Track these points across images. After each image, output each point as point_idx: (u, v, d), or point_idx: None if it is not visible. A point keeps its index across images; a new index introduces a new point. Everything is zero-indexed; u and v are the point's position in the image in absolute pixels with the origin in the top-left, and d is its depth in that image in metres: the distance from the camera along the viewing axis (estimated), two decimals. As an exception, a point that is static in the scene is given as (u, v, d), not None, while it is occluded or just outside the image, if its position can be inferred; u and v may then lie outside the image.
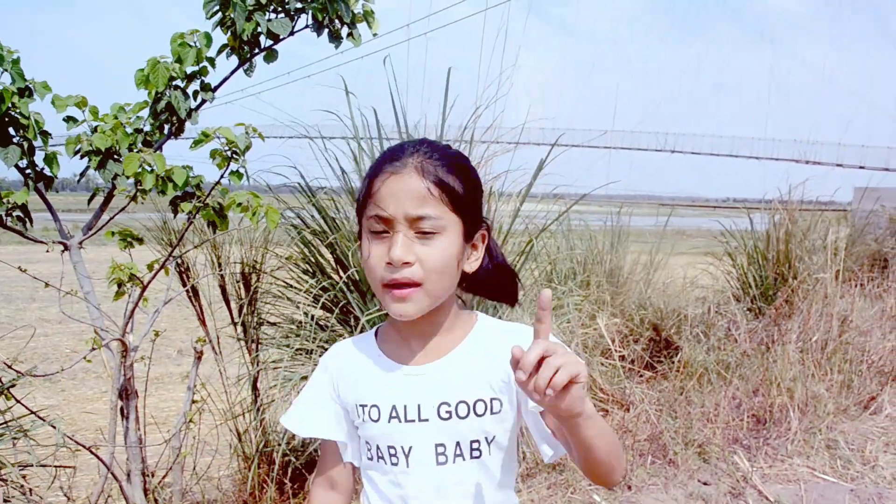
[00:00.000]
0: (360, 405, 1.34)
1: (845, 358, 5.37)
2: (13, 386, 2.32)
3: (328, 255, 3.82)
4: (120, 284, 2.95)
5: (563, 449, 1.30)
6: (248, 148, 2.36)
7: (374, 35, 2.85)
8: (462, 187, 1.28)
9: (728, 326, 5.69)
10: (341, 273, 3.73)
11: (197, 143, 2.32)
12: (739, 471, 3.93)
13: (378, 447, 1.33)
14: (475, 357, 1.34)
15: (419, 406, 1.31)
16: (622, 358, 4.84)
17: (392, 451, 1.32)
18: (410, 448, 1.31)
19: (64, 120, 2.66)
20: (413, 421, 1.30)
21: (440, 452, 1.31)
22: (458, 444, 1.31)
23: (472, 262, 1.34)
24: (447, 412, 1.30)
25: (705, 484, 3.82)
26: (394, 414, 1.31)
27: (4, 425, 2.61)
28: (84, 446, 2.56)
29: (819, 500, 3.72)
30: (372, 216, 1.26)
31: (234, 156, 2.35)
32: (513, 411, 1.33)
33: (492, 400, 1.31)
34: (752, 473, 3.90)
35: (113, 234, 2.94)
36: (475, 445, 1.31)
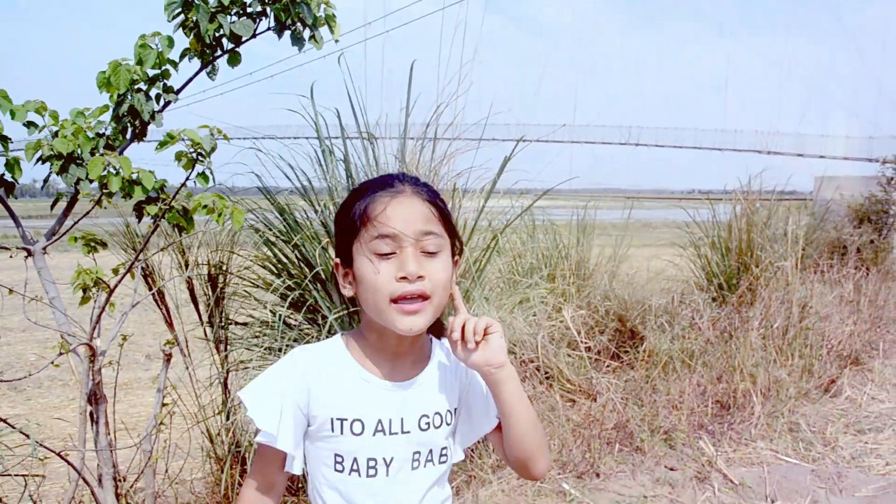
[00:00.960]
0: (339, 419, 1.36)
1: (806, 343, 5.51)
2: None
3: (292, 256, 3.83)
4: (85, 290, 2.93)
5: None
6: (213, 149, 2.37)
7: (336, 41, 2.87)
8: (447, 211, 1.39)
9: (692, 315, 5.79)
10: (307, 272, 3.75)
11: (162, 144, 2.33)
12: (705, 455, 4.02)
13: (356, 460, 1.36)
14: (443, 371, 1.45)
15: (402, 420, 1.38)
16: (588, 349, 4.92)
17: (372, 463, 1.37)
18: (392, 458, 1.38)
19: (24, 125, 2.64)
20: (397, 433, 1.37)
21: (415, 459, 1.40)
22: (430, 451, 1.41)
23: (453, 284, 1.44)
24: (426, 423, 1.40)
25: (672, 469, 3.90)
26: (379, 428, 1.36)
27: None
28: (55, 452, 2.55)
29: (782, 481, 3.82)
30: (378, 236, 1.31)
31: (200, 157, 2.36)
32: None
33: (455, 409, 1.46)
34: (717, 458, 3.99)
35: (76, 239, 2.92)
36: (444, 451, 1.44)
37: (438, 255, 1.34)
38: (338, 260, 1.43)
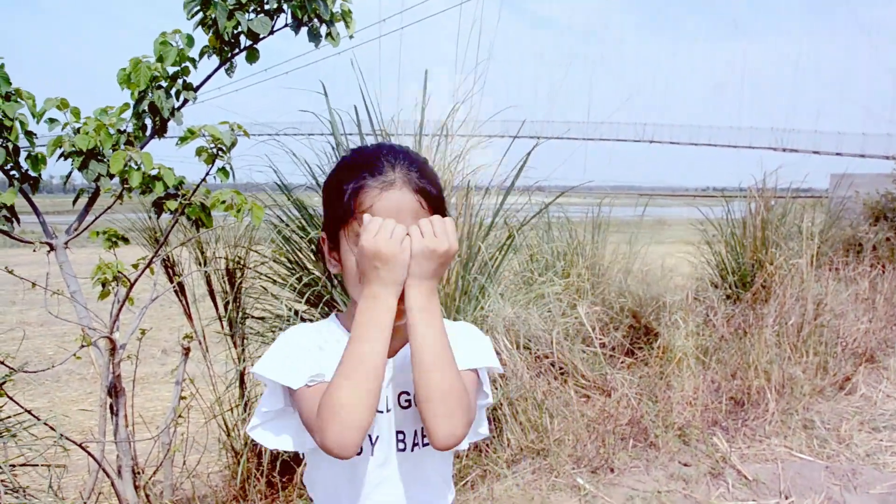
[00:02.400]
0: None
1: (820, 340, 5.49)
2: (4, 383, 2.36)
3: (308, 252, 3.87)
4: (104, 284, 2.98)
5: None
6: (233, 145, 2.41)
7: (351, 37, 2.90)
8: (436, 192, 1.36)
9: (706, 312, 5.79)
10: (323, 268, 3.78)
11: (183, 140, 2.36)
12: (719, 452, 4.02)
13: None
14: None
15: (386, 397, 1.37)
16: (603, 345, 4.93)
17: None
18: (377, 437, 1.37)
19: (45, 122, 2.69)
20: (382, 412, 1.36)
21: (399, 440, 1.38)
22: (415, 432, 1.39)
23: None
24: (406, 401, 1.38)
25: (686, 465, 3.91)
26: None
27: (-4, 424, 2.64)
28: (77, 443, 2.60)
29: (796, 477, 3.82)
30: None
31: (220, 153, 2.40)
32: None
33: None
34: (731, 454, 3.99)
35: (98, 234, 2.97)
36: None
37: None
38: (325, 235, 1.41)
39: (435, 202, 1.35)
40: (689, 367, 4.84)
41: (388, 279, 1.23)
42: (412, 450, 1.39)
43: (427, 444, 1.39)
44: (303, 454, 1.44)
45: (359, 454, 1.35)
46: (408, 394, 1.38)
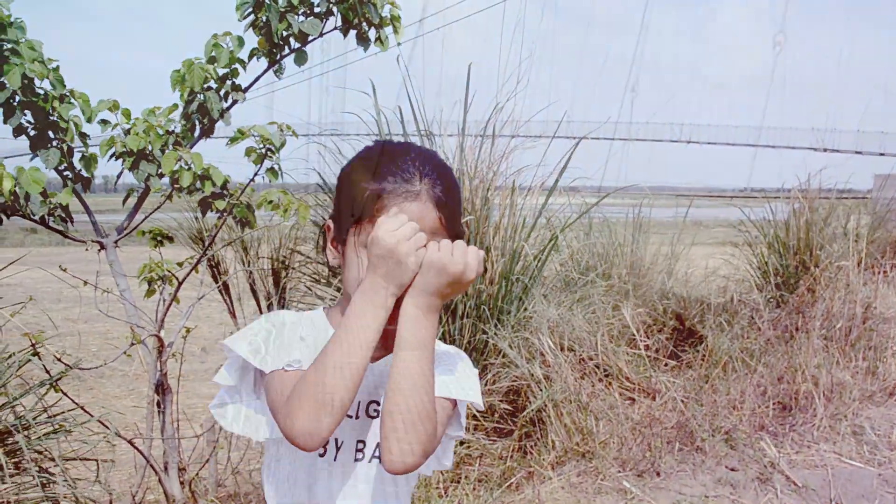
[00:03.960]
0: None
1: (869, 345, 5.37)
2: (60, 379, 2.39)
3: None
4: (150, 283, 3.02)
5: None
6: (282, 145, 2.42)
7: (399, 44, 2.90)
8: (456, 209, 1.31)
9: (751, 315, 5.69)
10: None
11: (233, 140, 2.38)
12: (766, 457, 3.95)
13: None
14: None
15: (358, 402, 1.33)
16: (647, 347, 4.87)
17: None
18: (342, 442, 1.33)
19: (98, 123, 2.74)
20: (350, 416, 1.32)
21: (359, 449, 1.33)
22: (377, 444, 1.33)
23: None
24: (375, 411, 1.33)
25: (733, 470, 3.85)
26: None
27: (49, 420, 2.69)
28: (127, 440, 2.63)
29: (847, 484, 3.74)
30: None
31: (269, 153, 2.41)
32: None
33: None
34: (780, 459, 3.92)
35: (144, 233, 3.01)
36: None
37: None
38: (331, 224, 1.36)
39: (453, 222, 1.29)
40: (735, 370, 4.77)
41: (393, 277, 1.17)
42: (370, 461, 1.34)
43: None
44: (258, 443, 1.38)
45: (322, 455, 1.32)
46: (378, 404, 1.33)
